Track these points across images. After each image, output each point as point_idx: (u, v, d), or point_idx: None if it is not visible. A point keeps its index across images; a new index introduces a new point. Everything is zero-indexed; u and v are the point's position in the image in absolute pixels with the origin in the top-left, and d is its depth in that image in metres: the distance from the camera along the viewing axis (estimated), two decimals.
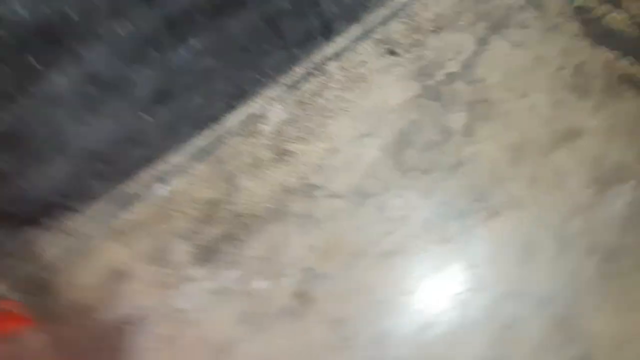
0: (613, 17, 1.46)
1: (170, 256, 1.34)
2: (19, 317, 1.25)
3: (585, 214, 1.35)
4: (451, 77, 1.49)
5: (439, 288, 1.34)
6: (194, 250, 1.34)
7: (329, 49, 1.52)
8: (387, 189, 1.40)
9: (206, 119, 1.43)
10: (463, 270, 1.34)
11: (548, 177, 1.38)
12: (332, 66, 1.52)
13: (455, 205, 1.37)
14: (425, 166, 1.41)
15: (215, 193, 1.39)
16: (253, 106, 1.48)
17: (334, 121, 1.45)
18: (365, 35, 1.54)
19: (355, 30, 1.53)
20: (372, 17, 1.54)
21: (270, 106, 1.49)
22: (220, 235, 1.36)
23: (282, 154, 1.43)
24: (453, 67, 1.50)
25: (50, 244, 1.33)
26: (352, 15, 1.50)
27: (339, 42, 1.53)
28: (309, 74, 1.51)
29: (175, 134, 1.40)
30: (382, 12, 1.55)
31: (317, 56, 1.51)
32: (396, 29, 1.54)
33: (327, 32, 1.48)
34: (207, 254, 1.35)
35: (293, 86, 1.51)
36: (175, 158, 1.42)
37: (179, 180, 1.41)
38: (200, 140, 1.43)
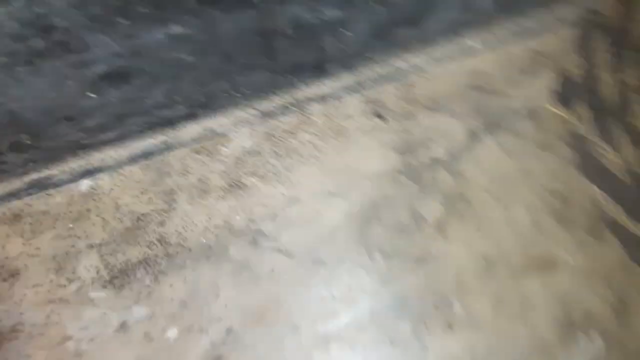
0: (609, 159, 1.42)
1: (74, 266, 1.16)
2: None
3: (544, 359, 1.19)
4: (435, 163, 1.43)
5: None
6: (103, 268, 1.17)
7: (317, 89, 1.46)
8: (342, 262, 1.26)
9: (160, 119, 1.28)
10: None
11: (514, 303, 1.25)
12: (315, 108, 1.45)
13: (411, 305, 1.24)
14: (388, 250, 1.29)
15: (147, 207, 1.24)
16: (217, 122, 1.35)
17: (302, 167, 1.34)
18: (357, 88, 1.50)
19: (347, 79, 1.49)
20: (368, 72, 1.51)
21: (236, 128, 1.39)
22: (139, 260, 1.18)
23: (234, 186, 1.29)
24: (439, 152, 1.44)
25: None
26: (349, 62, 1.46)
27: (328, 85, 1.48)
28: (288, 107, 1.44)
29: (119, 124, 1.23)
30: (378, 71, 1.52)
31: (301, 92, 1.44)
32: (390, 92, 1.52)
33: (320, 70, 1.42)
34: (117, 278, 1.17)
35: (267, 115, 1.41)
36: (111, 152, 1.26)
37: (109, 179, 1.26)
38: (147, 141, 1.28)
